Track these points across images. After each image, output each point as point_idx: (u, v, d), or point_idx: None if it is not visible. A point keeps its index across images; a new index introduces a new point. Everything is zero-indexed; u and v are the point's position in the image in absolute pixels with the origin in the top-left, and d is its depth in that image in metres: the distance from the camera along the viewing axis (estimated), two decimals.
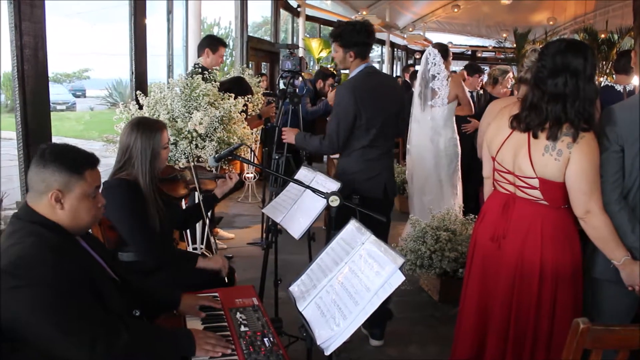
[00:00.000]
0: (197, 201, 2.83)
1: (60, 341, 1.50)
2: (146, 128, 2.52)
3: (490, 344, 2.22)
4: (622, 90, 4.25)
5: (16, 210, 1.72)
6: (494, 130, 2.24)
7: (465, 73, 6.03)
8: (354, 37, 3.03)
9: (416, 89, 4.74)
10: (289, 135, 3.22)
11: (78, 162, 1.67)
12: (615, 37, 13.28)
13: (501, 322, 2.18)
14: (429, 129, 4.64)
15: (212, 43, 4.46)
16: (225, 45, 4.55)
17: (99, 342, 1.53)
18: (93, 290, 1.63)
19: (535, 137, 2.02)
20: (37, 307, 1.48)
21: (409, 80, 8.40)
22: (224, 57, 4.79)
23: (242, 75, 5.56)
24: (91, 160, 1.72)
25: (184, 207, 3.58)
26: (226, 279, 2.62)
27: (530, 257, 2.09)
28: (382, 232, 2.71)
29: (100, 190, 1.80)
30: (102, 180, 2.45)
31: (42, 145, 1.68)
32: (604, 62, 13.22)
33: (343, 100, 2.99)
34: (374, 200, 3.01)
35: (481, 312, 2.27)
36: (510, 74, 5.61)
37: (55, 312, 1.49)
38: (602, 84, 4.49)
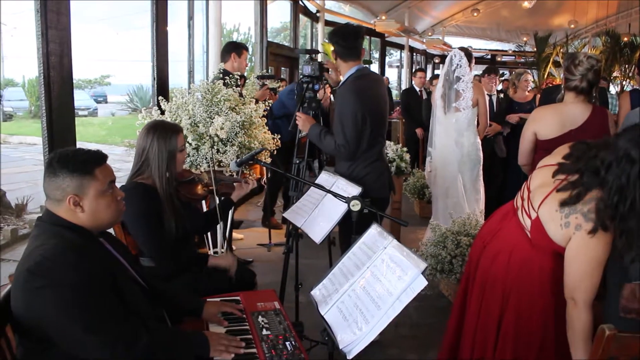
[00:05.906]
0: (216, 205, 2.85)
1: (83, 340, 1.53)
2: (162, 131, 2.55)
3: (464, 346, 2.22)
4: None
5: (40, 214, 1.76)
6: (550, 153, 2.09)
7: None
8: (332, 37, 3.06)
9: (438, 90, 4.66)
10: (304, 124, 3.14)
11: (86, 163, 1.70)
12: (639, 39, 13.07)
13: (472, 327, 2.17)
14: (454, 131, 4.58)
15: (236, 48, 4.58)
16: (247, 49, 4.67)
17: (120, 342, 1.56)
18: (115, 291, 1.66)
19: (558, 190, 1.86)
20: (61, 306, 1.52)
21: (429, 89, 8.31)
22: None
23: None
24: (98, 158, 1.75)
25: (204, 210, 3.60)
26: (234, 279, 2.64)
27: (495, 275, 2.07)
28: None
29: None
30: (120, 184, 2.49)
31: (48, 155, 1.71)
32: (626, 66, 13.01)
33: (350, 105, 2.94)
34: (382, 200, 3.07)
35: (461, 314, 2.27)
36: (529, 77, 5.57)
37: (78, 311, 1.53)
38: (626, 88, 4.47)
